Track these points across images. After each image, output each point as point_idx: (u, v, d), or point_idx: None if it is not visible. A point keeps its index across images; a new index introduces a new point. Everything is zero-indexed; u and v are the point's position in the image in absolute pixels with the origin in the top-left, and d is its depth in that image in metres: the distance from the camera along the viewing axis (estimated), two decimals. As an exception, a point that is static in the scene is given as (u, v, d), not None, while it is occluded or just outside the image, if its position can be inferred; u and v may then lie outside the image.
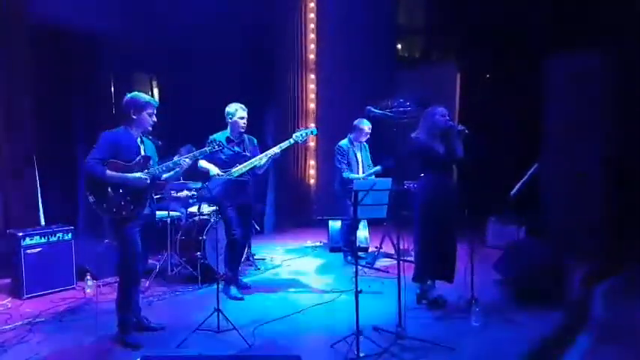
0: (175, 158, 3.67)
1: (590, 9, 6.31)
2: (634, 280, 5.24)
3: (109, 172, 3.34)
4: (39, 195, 5.23)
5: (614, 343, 3.64)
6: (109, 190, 3.35)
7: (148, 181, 3.45)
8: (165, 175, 3.66)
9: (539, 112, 6.33)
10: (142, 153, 3.54)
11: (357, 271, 3.46)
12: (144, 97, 3.55)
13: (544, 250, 4.44)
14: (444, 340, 3.41)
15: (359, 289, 3.36)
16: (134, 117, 3.48)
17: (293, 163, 8.07)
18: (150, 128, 3.58)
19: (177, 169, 3.65)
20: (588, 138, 5.88)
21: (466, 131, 4.02)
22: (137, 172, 3.44)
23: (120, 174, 3.37)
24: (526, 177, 4.10)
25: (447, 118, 4.16)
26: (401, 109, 7.61)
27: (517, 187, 4.05)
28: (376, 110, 3.90)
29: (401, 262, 3.59)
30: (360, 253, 5.95)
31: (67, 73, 5.82)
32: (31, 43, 5.19)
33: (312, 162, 8.25)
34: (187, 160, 3.65)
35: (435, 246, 4.13)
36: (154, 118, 3.57)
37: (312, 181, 8.27)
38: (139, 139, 3.56)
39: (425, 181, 4.21)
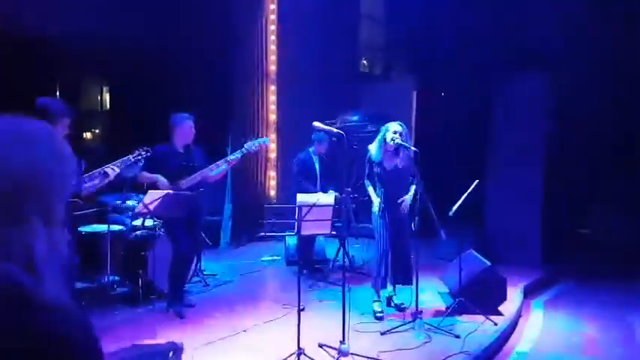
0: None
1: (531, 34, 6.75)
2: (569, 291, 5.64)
3: None
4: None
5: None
6: None
7: None
8: (89, 184, 3.41)
9: (486, 130, 6.64)
10: None
11: (299, 287, 3.31)
12: (55, 105, 3.30)
13: (484, 263, 4.64)
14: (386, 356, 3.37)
15: (302, 306, 3.20)
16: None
17: (252, 174, 7.87)
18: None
19: (104, 179, 3.42)
20: (530, 156, 6.33)
21: (412, 149, 4.08)
22: None
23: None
24: (465, 194, 4.13)
25: (398, 136, 4.16)
26: (361, 123, 7.68)
27: (456, 205, 4.09)
28: (322, 125, 3.84)
29: (353, 274, 3.51)
30: (318, 266, 5.81)
31: (9, 78, 5.51)
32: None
33: (272, 173, 8.07)
34: (115, 169, 3.42)
35: (392, 253, 4.25)
36: (67, 130, 3.31)
37: (272, 193, 8.09)
38: None
39: (378, 193, 4.31)
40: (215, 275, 5.50)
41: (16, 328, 0.59)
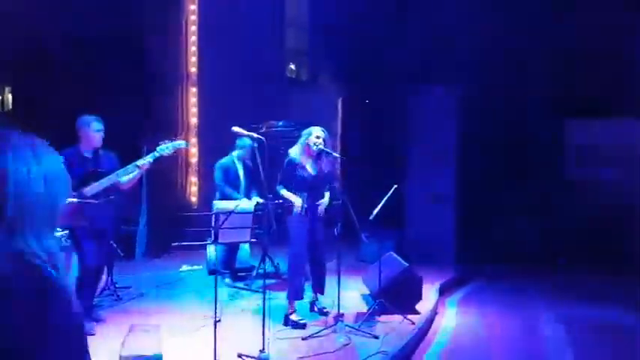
0: None
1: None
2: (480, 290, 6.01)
3: None
4: None
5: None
6: None
7: None
8: None
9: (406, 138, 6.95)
10: None
11: (215, 297, 3.17)
12: None
13: (402, 264, 4.80)
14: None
15: (218, 318, 3.08)
16: None
17: (172, 180, 7.55)
18: None
19: None
20: (444, 163, 6.73)
21: (335, 155, 4.13)
22: None
23: None
24: (384, 199, 4.25)
25: (321, 141, 4.15)
26: (287, 128, 7.64)
27: (376, 209, 4.19)
28: (240, 130, 3.77)
29: (278, 281, 3.46)
30: (241, 274, 5.67)
31: None
32: None
33: (193, 179, 7.80)
34: None
35: (310, 260, 4.28)
36: None
37: (193, 199, 7.81)
38: None
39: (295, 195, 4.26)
40: (129, 288, 5.18)
41: (47, 301, 0.97)
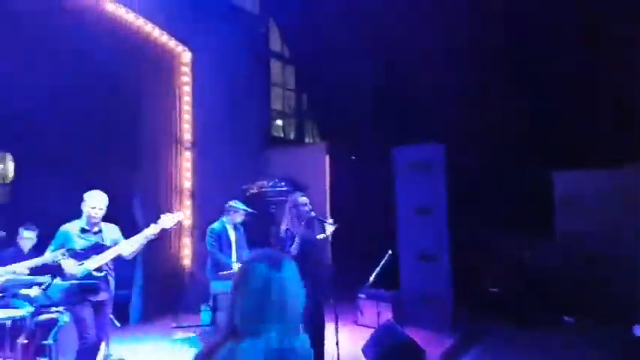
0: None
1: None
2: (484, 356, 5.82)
3: None
4: None
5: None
6: None
7: None
8: None
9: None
10: None
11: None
12: None
13: (402, 334, 4.78)
14: None
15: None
16: None
17: (165, 242, 7.63)
18: None
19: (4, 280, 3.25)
20: (434, 221, 6.64)
21: (329, 222, 4.22)
22: None
23: None
24: (380, 266, 4.39)
25: (309, 207, 4.32)
26: (276, 188, 7.89)
27: (373, 275, 4.31)
28: (236, 205, 3.96)
29: None
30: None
31: None
32: None
33: (186, 241, 7.89)
34: (5, 274, 3.26)
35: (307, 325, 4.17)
36: None
37: (185, 262, 7.87)
38: None
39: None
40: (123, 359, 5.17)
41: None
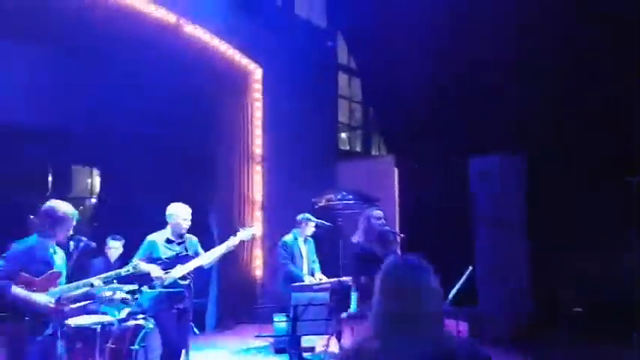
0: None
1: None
2: None
3: (14, 288, 3.11)
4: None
5: None
6: (6, 308, 3.12)
7: (52, 305, 3.22)
8: (72, 294, 3.44)
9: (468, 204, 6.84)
10: (54, 267, 3.35)
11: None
12: (60, 209, 3.38)
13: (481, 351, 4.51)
14: None
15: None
16: (49, 228, 3.33)
17: (237, 254, 7.84)
18: (65, 240, 3.44)
19: (87, 289, 3.47)
20: (512, 232, 6.34)
21: (401, 236, 4.15)
22: (45, 288, 3.23)
23: (25, 293, 3.13)
24: (461, 282, 4.19)
25: (383, 221, 4.26)
26: (344, 201, 7.87)
27: (453, 292, 4.11)
28: (311, 218, 4.00)
29: None
30: (306, 355, 5.68)
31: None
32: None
33: (257, 252, 8.07)
34: (97, 282, 3.48)
35: None
36: (69, 232, 3.42)
37: (257, 273, 8.04)
38: (51, 249, 3.37)
39: (367, 283, 4.09)
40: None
41: None
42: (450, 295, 4.06)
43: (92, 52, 5.82)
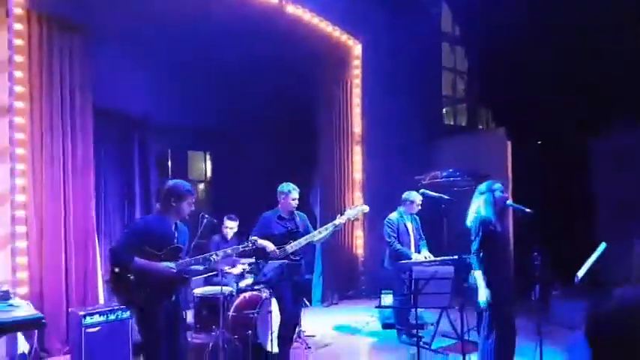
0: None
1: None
2: None
3: (137, 259, 3.30)
4: (99, 272, 5.38)
5: None
6: (132, 278, 3.30)
7: (175, 271, 3.40)
8: (194, 267, 3.64)
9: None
10: (175, 242, 3.51)
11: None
12: (185, 185, 3.56)
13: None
14: None
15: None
16: (174, 204, 3.48)
17: (339, 233, 8.00)
18: (187, 217, 3.59)
19: (207, 265, 3.67)
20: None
21: (527, 211, 3.89)
22: (168, 261, 3.41)
23: (147, 262, 3.32)
24: (594, 259, 3.82)
25: (507, 195, 4.05)
26: (451, 178, 7.57)
27: (584, 270, 3.75)
28: (430, 192, 3.93)
29: (454, 342, 3.43)
30: (416, 332, 5.65)
31: (125, 152, 6.26)
32: (97, 126, 5.46)
33: (358, 232, 8.18)
34: (217, 257, 3.66)
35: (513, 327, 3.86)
36: (192, 207, 3.57)
37: (359, 252, 8.17)
38: (173, 226, 3.54)
39: (494, 263, 3.86)
40: (314, 336, 5.60)
41: None
42: (580, 273, 3.73)
43: (204, 43, 6.07)
